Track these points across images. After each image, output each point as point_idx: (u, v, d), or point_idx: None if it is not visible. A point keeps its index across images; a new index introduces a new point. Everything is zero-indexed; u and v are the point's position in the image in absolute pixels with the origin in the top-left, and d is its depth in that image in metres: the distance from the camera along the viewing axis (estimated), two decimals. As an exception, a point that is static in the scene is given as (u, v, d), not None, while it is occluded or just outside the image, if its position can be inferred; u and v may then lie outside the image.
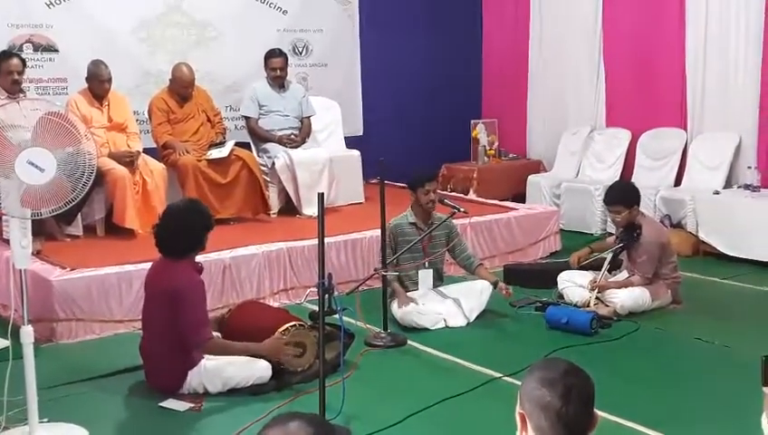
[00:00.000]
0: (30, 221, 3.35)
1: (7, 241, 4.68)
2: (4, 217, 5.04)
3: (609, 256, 5.32)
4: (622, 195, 5.30)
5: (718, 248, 6.63)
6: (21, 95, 5.70)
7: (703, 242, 6.75)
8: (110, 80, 6.18)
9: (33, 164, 3.20)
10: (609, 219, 7.32)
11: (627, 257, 5.38)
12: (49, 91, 6.71)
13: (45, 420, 3.51)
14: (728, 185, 7.07)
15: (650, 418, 3.63)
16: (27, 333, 3.34)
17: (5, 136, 3.28)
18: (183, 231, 3.96)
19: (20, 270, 3.41)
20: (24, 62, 5.88)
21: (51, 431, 3.48)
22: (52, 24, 6.74)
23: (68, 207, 3.42)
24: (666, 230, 5.94)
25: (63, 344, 4.74)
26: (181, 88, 6.58)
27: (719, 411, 3.76)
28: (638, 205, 5.31)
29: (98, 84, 6.16)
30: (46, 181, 3.25)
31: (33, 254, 3.64)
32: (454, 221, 5.35)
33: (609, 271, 5.35)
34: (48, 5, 6.73)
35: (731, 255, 6.54)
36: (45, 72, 6.72)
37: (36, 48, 6.69)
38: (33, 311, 3.53)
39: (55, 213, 3.46)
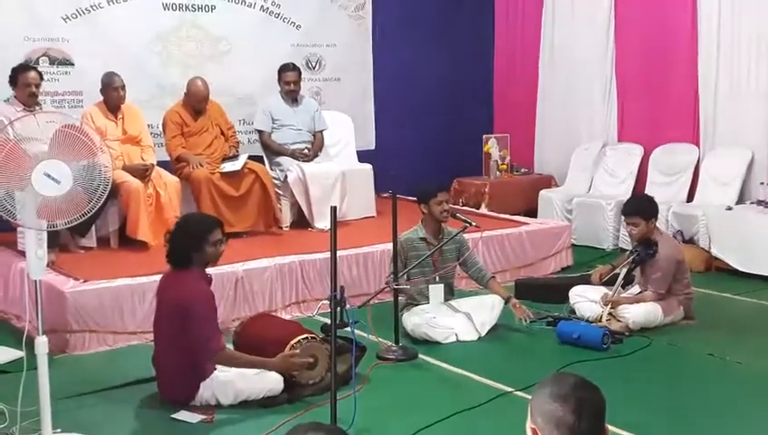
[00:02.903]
0: (45, 232, 3.38)
1: (21, 252, 4.73)
2: (19, 229, 5.09)
3: (623, 272, 5.30)
4: (642, 207, 5.32)
5: (731, 264, 6.61)
6: (37, 108, 5.75)
7: (715, 258, 6.73)
8: (123, 87, 6.23)
9: (49, 176, 3.23)
10: (621, 235, 7.38)
11: (640, 273, 5.37)
12: (64, 104, 6.78)
13: (58, 430, 3.52)
14: (741, 201, 7.06)
15: (661, 433, 3.61)
16: (42, 344, 3.36)
17: (22, 148, 3.31)
18: (178, 242, 4.00)
19: (35, 281, 3.43)
20: (40, 75, 5.94)
21: (63, 442, 3.51)
22: (68, 38, 6.83)
23: (83, 218, 3.45)
24: (681, 247, 5.93)
25: (77, 355, 4.77)
26: (195, 102, 6.63)
27: (732, 428, 3.75)
28: (656, 219, 5.31)
29: (112, 92, 6.20)
30: (62, 193, 3.28)
31: (46, 265, 3.65)
32: (466, 235, 5.35)
33: (622, 286, 5.33)
34: (64, 19, 6.81)
35: (743, 271, 6.51)
36: (61, 85, 6.80)
37: (52, 62, 6.77)
38: (46, 322, 3.54)
39: (70, 225, 3.49)
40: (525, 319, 5.10)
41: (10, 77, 5.82)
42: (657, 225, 5.43)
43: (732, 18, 7.21)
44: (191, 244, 3.96)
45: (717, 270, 6.71)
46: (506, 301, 5.16)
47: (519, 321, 5.11)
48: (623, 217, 5.64)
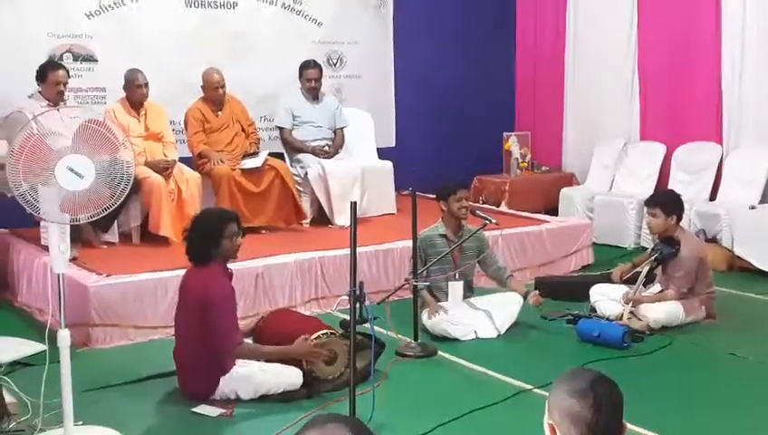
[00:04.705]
0: (68, 226, 3.41)
1: (45, 247, 4.77)
2: (42, 224, 5.13)
3: (644, 270, 5.27)
4: (663, 199, 5.32)
5: (753, 264, 6.55)
6: (61, 104, 5.79)
7: (738, 257, 6.67)
8: (146, 84, 6.27)
9: (72, 170, 3.26)
10: (642, 233, 7.34)
11: (661, 271, 5.33)
12: (88, 100, 6.83)
13: (80, 422, 3.56)
14: (764, 200, 6.99)
15: (682, 433, 3.60)
16: (64, 337, 3.39)
17: (46, 143, 3.35)
18: (195, 238, 4.03)
19: (57, 275, 3.47)
20: (68, 72, 5.98)
21: (85, 434, 3.53)
22: (92, 35, 6.88)
23: (105, 213, 3.48)
24: (704, 245, 5.89)
25: (99, 349, 4.81)
26: (212, 90, 6.64)
27: (753, 428, 3.72)
28: (679, 218, 5.27)
29: (135, 89, 6.25)
30: (85, 188, 3.31)
31: (69, 260, 3.69)
32: (485, 233, 5.34)
33: (644, 284, 5.30)
34: (88, 16, 6.86)
35: (766, 270, 6.45)
36: (84, 81, 6.85)
37: (76, 58, 6.82)
38: (69, 316, 3.58)
39: (93, 219, 3.52)
40: (538, 305, 5.09)
41: (38, 73, 5.85)
42: (680, 223, 5.39)
43: (757, 15, 7.14)
44: (208, 239, 3.99)
45: (740, 270, 6.64)
46: (525, 296, 5.15)
47: (534, 306, 5.09)
48: (645, 209, 5.60)
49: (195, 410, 3.89)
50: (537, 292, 5.18)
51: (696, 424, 3.74)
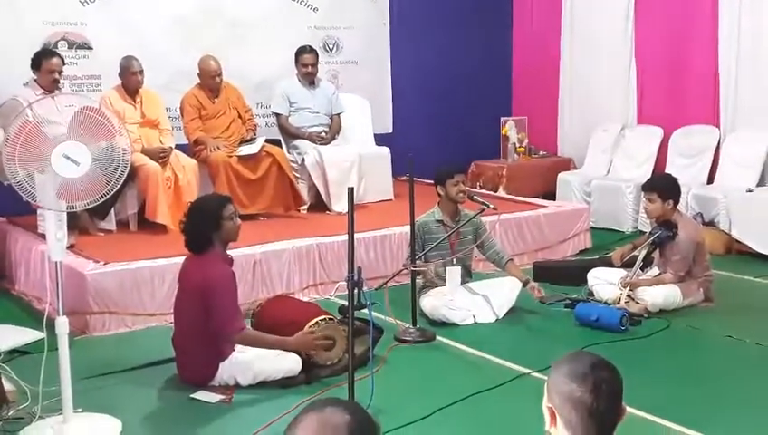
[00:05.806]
0: (65, 214, 3.41)
1: (42, 235, 4.77)
2: (39, 211, 5.13)
3: (642, 254, 5.28)
4: (660, 184, 5.32)
5: (751, 247, 6.56)
6: (56, 91, 5.77)
7: (735, 240, 6.68)
8: (141, 71, 6.25)
9: (68, 158, 3.26)
10: (640, 217, 7.34)
11: (659, 255, 5.34)
12: (83, 88, 6.80)
13: (79, 410, 3.57)
14: (761, 183, 7.00)
15: (680, 415, 3.60)
16: (62, 324, 3.40)
17: (42, 130, 3.33)
18: (196, 226, 4.01)
19: (55, 262, 3.46)
20: (63, 60, 5.95)
21: (84, 421, 3.54)
22: (87, 22, 6.84)
23: (102, 200, 3.47)
24: (701, 229, 5.89)
25: (97, 337, 4.81)
26: (209, 78, 6.61)
27: (750, 409, 3.73)
28: (676, 203, 5.27)
29: (130, 76, 6.22)
30: (81, 175, 3.30)
31: (66, 248, 3.69)
32: (483, 218, 5.34)
33: (641, 268, 5.31)
34: (83, 3, 6.82)
35: (764, 253, 6.46)
36: (79, 69, 6.81)
37: (71, 46, 6.78)
38: (67, 304, 3.57)
39: (89, 206, 3.52)
40: (543, 300, 5.10)
41: (33, 61, 5.81)
42: (678, 207, 5.39)
43: (753, -2, 7.14)
44: (208, 224, 3.98)
45: (738, 253, 6.66)
46: (524, 284, 5.15)
47: (536, 300, 5.10)
48: (642, 194, 5.60)
49: (194, 396, 3.89)
50: (536, 284, 5.18)
51: (694, 406, 3.75)
